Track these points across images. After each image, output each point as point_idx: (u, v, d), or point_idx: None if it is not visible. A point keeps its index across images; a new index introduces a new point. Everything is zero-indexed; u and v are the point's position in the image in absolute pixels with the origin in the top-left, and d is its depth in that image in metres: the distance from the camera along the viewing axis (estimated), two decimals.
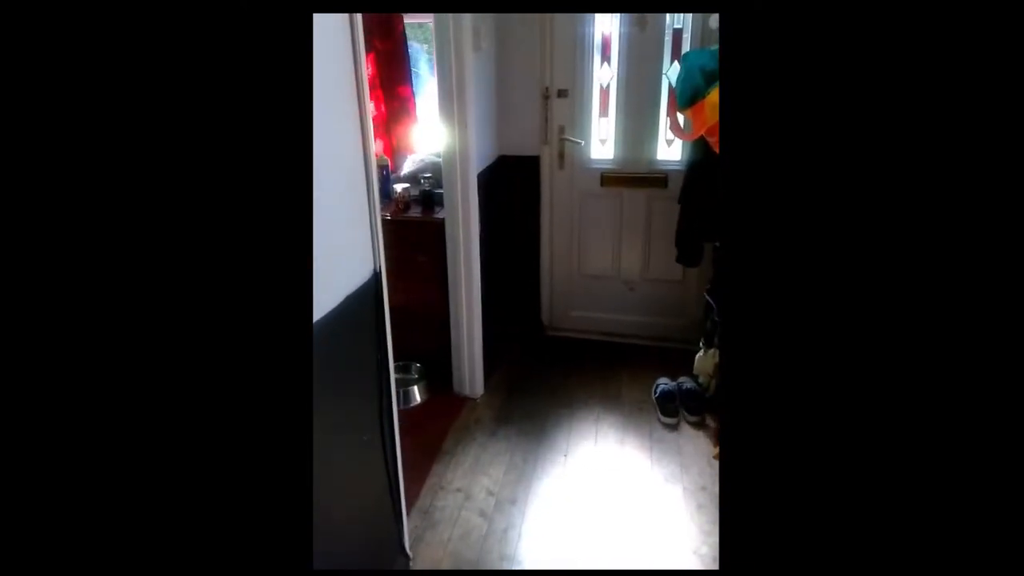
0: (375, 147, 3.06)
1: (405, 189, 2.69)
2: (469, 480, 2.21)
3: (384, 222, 2.64)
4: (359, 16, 1.27)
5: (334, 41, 1.24)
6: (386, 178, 2.84)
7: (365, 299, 1.43)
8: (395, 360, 2.81)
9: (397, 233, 2.63)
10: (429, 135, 3.01)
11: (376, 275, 1.47)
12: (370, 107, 1.35)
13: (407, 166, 2.99)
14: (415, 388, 2.71)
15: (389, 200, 2.74)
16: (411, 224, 2.63)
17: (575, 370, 2.84)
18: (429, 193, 2.66)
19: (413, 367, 2.83)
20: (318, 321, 1.21)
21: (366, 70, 1.33)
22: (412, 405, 2.68)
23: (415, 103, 3.03)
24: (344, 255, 1.34)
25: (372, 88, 2.95)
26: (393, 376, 1.66)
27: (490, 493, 2.14)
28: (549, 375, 2.82)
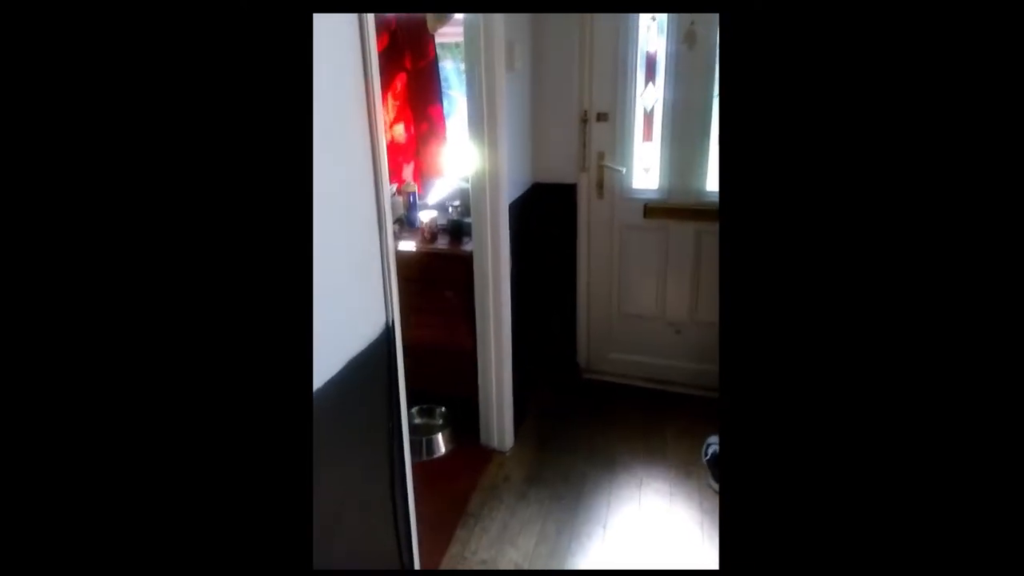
0: (405, 172, 2.90)
1: (432, 218, 2.48)
2: (496, 551, 1.94)
3: (408, 254, 2.46)
4: (370, 18, 1.06)
5: (341, 52, 1.04)
6: (413, 205, 2.65)
7: (374, 360, 1.20)
8: (419, 403, 2.63)
9: (422, 265, 2.43)
10: (460, 160, 2.81)
11: (388, 330, 1.24)
12: (383, 133, 1.13)
13: (436, 192, 2.79)
14: (439, 436, 2.47)
15: (415, 229, 2.54)
16: (437, 257, 2.42)
17: (614, 421, 2.56)
18: (458, 223, 2.45)
19: (437, 412, 2.60)
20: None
21: (381, 86, 1.12)
22: (435, 456, 2.44)
23: (446, 125, 2.84)
24: (347, 313, 1.12)
25: (402, 109, 2.77)
26: (408, 443, 1.42)
27: (518, 568, 1.87)
28: (586, 426, 2.54)
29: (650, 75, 2.47)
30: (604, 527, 2.03)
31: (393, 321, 1.25)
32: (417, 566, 1.58)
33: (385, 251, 1.20)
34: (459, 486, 2.24)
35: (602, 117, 2.52)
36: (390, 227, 1.20)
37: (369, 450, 1.27)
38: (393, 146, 2.85)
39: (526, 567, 1.88)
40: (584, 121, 2.53)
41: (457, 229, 2.44)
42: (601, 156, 2.57)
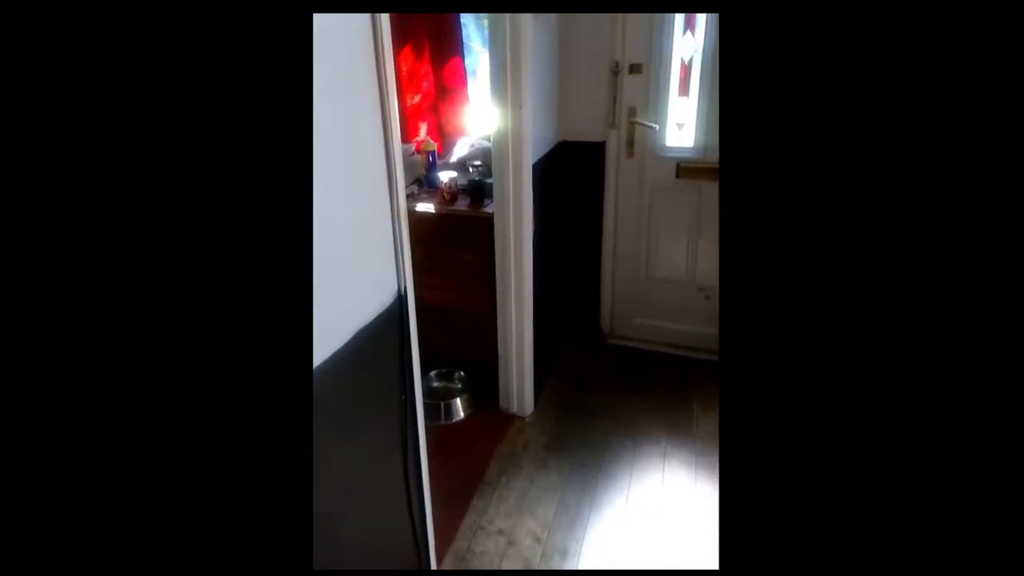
0: (423, 130, 2.78)
1: (452, 179, 2.38)
2: (513, 521, 1.91)
3: (427, 215, 2.38)
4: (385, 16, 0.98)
5: (351, 34, 0.94)
6: (432, 165, 2.55)
7: (385, 330, 1.13)
8: (438, 367, 2.58)
9: (442, 228, 2.36)
10: (481, 116, 2.68)
11: (400, 298, 1.17)
12: (393, 85, 1.03)
13: (456, 151, 2.68)
14: (457, 401, 2.43)
15: (434, 190, 2.45)
16: (457, 219, 2.33)
17: (639, 388, 2.49)
18: (479, 183, 2.35)
19: (456, 375, 2.56)
20: (315, 368, 0.92)
21: (394, 64, 1.03)
22: (454, 421, 2.41)
23: (467, 79, 2.71)
24: (354, 280, 1.04)
25: (419, 61, 2.64)
26: (422, 416, 1.36)
27: (537, 539, 1.84)
28: (609, 393, 2.48)
29: (689, 22, 2.29)
30: (626, 498, 1.98)
31: (405, 288, 1.17)
32: (431, 542, 1.55)
33: (396, 213, 1.11)
34: (477, 453, 2.21)
35: (635, 69, 2.36)
36: (401, 187, 1.11)
37: (381, 425, 1.21)
38: (410, 102, 2.74)
39: (544, 538, 1.84)
40: (615, 73, 2.37)
41: (478, 190, 2.34)
42: (632, 112, 2.42)
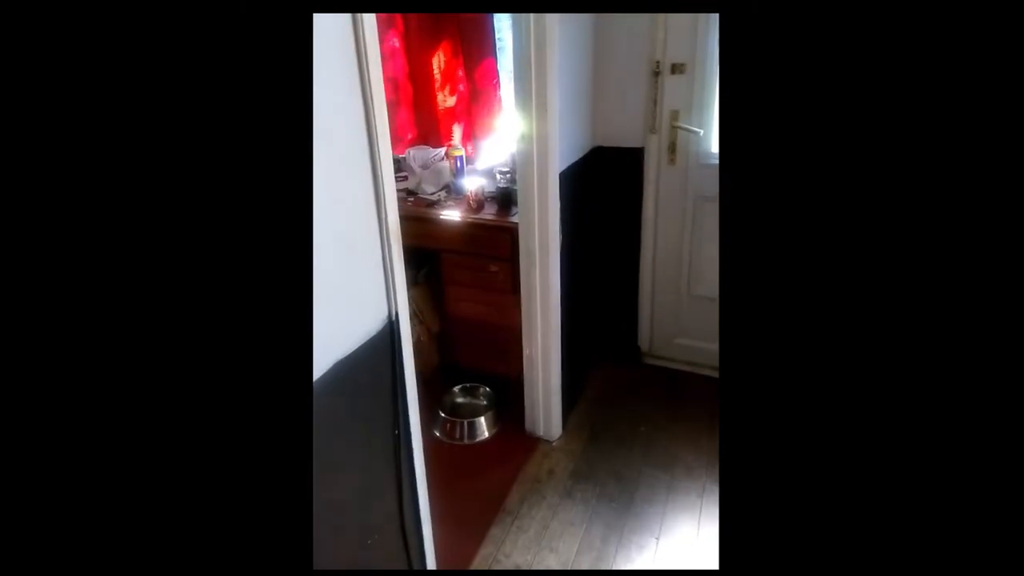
0: (456, 134, 2.68)
1: (480, 186, 2.26)
2: (532, 555, 1.77)
3: (452, 224, 2.27)
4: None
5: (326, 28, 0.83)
6: (460, 170, 2.44)
7: (371, 360, 1.01)
8: (463, 381, 2.47)
9: (468, 236, 2.25)
10: (511, 120, 2.55)
11: (391, 324, 1.04)
12: (379, 78, 0.91)
13: (487, 157, 2.56)
14: (482, 420, 2.30)
15: (462, 196, 2.34)
16: (483, 227, 2.21)
17: (678, 415, 2.30)
18: (507, 191, 2.22)
19: (481, 391, 2.44)
20: None
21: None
22: (477, 441, 2.28)
23: (499, 80, 2.58)
24: (331, 305, 0.92)
25: (455, 59, 2.54)
26: (420, 451, 1.23)
27: None
28: (644, 419, 2.30)
29: None
30: (657, 539, 1.80)
31: (397, 314, 1.04)
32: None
33: (385, 229, 0.99)
34: (498, 477, 2.07)
35: (678, 68, 2.18)
36: (392, 199, 0.99)
37: (368, 465, 1.09)
38: (443, 104, 2.64)
39: None
40: (656, 74, 2.20)
41: (506, 197, 2.21)
42: (675, 115, 2.24)
